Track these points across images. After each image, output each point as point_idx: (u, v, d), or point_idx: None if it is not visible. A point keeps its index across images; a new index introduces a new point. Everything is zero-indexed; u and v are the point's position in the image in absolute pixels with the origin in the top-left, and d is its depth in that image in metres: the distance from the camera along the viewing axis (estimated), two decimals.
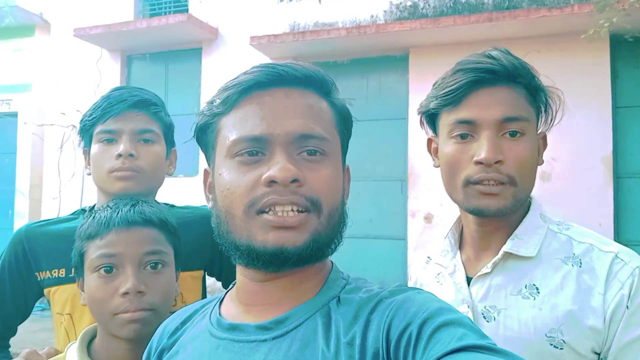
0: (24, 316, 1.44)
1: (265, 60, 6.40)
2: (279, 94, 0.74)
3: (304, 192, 0.70)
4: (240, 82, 0.74)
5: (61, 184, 7.22)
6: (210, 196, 0.80)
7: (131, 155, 1.28)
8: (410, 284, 1.31)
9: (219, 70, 6.67)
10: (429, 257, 1.26)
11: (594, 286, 0.97)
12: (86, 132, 1.37)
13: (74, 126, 7.22)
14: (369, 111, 6.00)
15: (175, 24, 6.33)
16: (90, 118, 1.34)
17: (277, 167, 0.69)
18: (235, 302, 0.80)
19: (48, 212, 7.29)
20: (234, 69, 6.56)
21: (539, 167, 1.11)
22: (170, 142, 1.41)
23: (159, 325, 1.01)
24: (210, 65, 6.76)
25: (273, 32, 6.19)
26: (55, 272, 1.34)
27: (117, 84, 7.19)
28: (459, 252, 1.17)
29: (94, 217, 1.11)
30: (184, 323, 0.85)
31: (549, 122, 1.10)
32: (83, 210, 1.42)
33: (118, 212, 1.09)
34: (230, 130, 0.74)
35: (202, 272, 1.45)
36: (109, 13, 6.99)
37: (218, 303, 0.84)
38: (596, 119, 5.18)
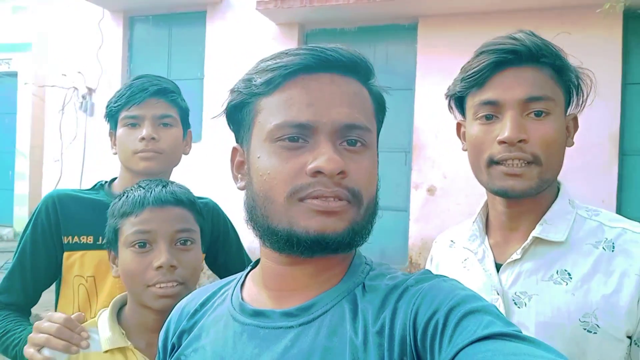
0: (52, 281, 1.50)
1: (271, 25, 6.29)
2: (325, 79, 0.72)
3: (347, 184, 0.70)
4: (287, 65, 0.72)
5: (63, 147, 7.17)
6: (239, 175, 0.79)
7: (153, 138, 1.44)
8: (429, 266, 1.31)
9: (224, 36, 6.56)
10: (452, 241, 1.26)
11: (629, 268, 0.98)
12: (112, 117, 1.52)
13: (76, 88, 7.12)
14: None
15: None
16: (115, 105, 1.49)
17: (324, 157, 0.68)
18: (259, 286, 0.80)
19: (50, 174, 7.26)
20: (239, 34, 6.46)
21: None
22: (186, 125, 1.57)
23: None
24: (215, 30, 6.64)
25: None
26: (83, 238, 1.45)
27: (120, 46, 7.06)
28: (486, 238, 1.17)
29: (127, 196, 1.19)
30: (203, 305, 0.85)
31: (580, 103, 1.09)
32: (101, 185, 1.55)
33: (151, 192, 1.17)
34: (273, 113, 0.72)
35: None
36: None
37: (239, 286, 0.83)
38: (605, 95, 5.14)
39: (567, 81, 1.06)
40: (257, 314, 0.75)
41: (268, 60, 0.74)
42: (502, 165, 1.02)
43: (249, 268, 0.86)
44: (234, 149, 0.81)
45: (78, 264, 1.44)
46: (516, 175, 1.02)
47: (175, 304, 1.10)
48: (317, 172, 0.68)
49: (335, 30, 6.21)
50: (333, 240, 0.69)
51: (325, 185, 0.68)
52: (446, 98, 1.17)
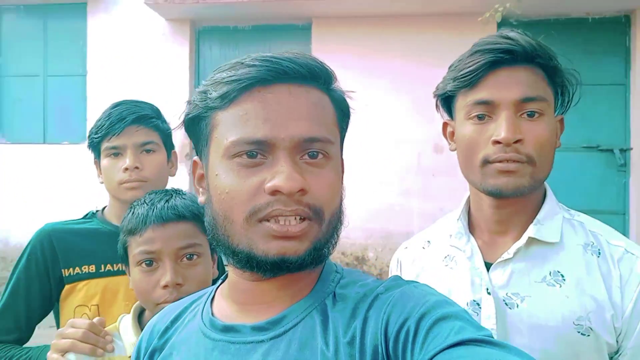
0: (44, 315, 1.51)
1: (161, 21, 6.03)
2: (282, 91, 0.70)
3: (308, 201, 0.68)
4: (241, 78, 0.69)
5: None
6: (201, 189, 0.78)
7: (137, 167, 1.46)
8: (395, 272, 1.26)
9: (109, 30, 6.17)
10: (428, 242, 1.22)
11: (612, 279, 0.99)
12: (95, 147, 1.53)
13: None
14: None
15: None
16: (96, 136, 1.49)
17: (282, 176, 0.66)
18: (228, 301, 0.79)
19: None
20: (125, 29, 6.14)
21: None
22: (169, 146, 1.58)
23: None
24: (98, 24, 6.22)
25: None
26: (85, 268, 1.47)
27: None
28: (472, 236, 1.13)
29: (133, 212, 1.21)
30: (174, 322, 0.84)
31: (566, 104, 1.09)
32: (93, 214, 1.58)
33: (154, 209, 1.17)
34: (229, 128, 0.70)
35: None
36: None
37: (209, 301, 0.82)
38: None
39: (557, 82, 1.06)
40: (228, 329, 0.74)
41: (223, 72, 0.72)
42: (497, 163, 1.01)
43: (219, 282, 0.84)
44: (194, 162, 0.80)
45: (82, 294, 1.46)
46: (510, 172, 1.00)
47: None
48: (276, 191, 0.66)
49: (229, 28, 6.10)
50: (294, 262, 0.68)
51: (284, 204, 0.67)
52: (434, 97, 1.15)
